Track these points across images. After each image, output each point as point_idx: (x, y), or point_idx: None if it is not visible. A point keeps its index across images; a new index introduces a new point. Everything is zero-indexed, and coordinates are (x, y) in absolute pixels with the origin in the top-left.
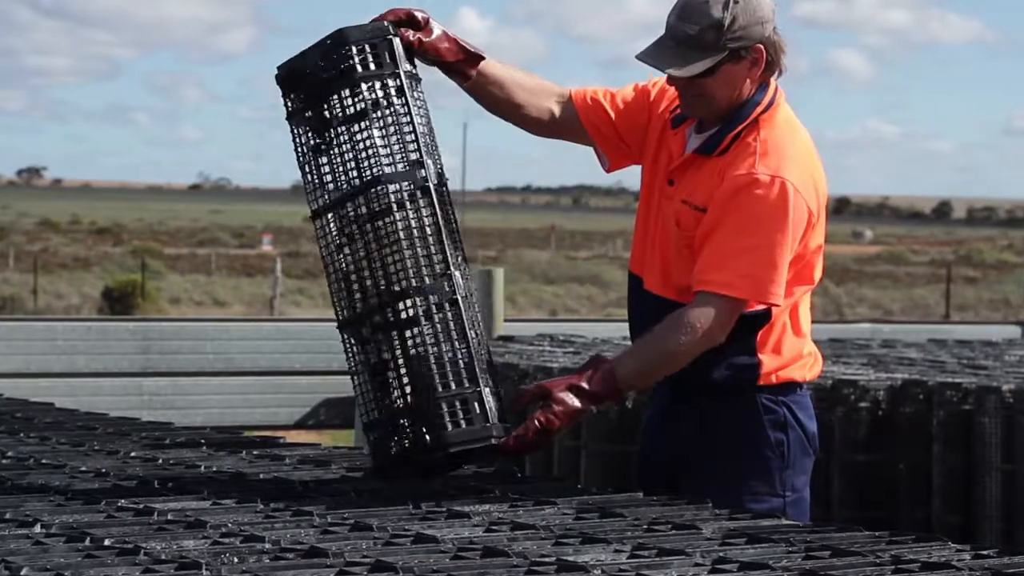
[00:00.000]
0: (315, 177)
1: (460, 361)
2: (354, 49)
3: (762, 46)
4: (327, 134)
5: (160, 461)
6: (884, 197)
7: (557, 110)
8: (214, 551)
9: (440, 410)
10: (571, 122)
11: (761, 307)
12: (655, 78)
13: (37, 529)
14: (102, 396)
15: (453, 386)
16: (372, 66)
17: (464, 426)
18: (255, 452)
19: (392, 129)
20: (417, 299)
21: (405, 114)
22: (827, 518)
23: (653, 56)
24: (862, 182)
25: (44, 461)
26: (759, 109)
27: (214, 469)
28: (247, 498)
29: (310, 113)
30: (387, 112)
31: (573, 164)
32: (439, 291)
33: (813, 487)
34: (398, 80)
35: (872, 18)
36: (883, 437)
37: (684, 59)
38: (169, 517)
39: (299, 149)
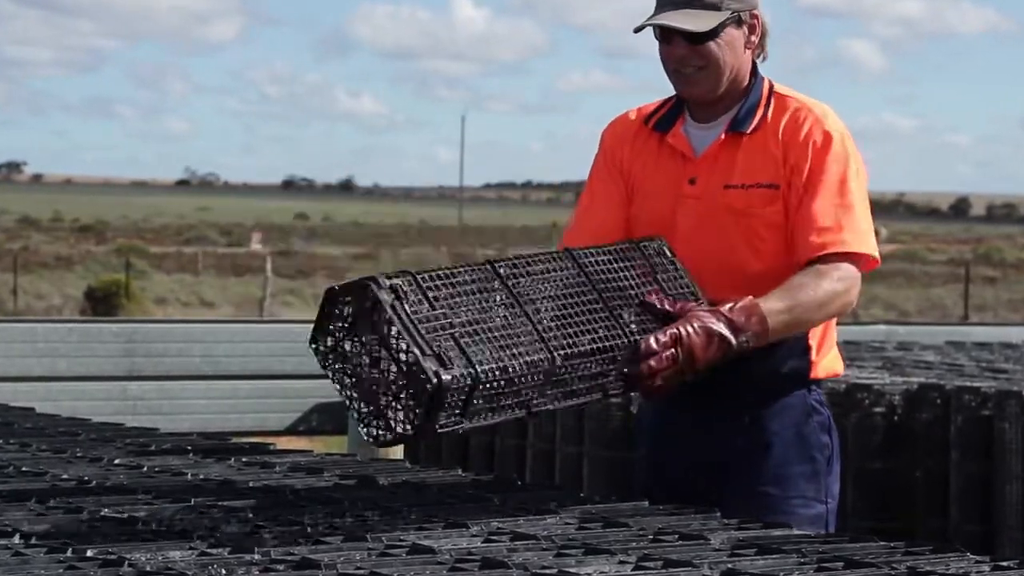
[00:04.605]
0: None
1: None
2: None
3: (758, 13)
4: None
5: (145, 468)
6: (899, 193)
7: None
8: (201, 562)
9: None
10: None
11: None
12: (603, 142)
13: (16, 539)
14: (85, 401)
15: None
16: None
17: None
18: (244, 459)
19: None
20: None
21: None
22: (840, 528)
23: (659, 19)
24: (876, 178)
25: (24, 468)
26: (767, 83)
27: (201, 477)
28: (236, 507)
29: None
30: None
31: (575, 159)
32: None
33: None
34: None
35: (883, 6)
36: (899, 443)
37: (691, 18)
38: (154, 527)
39: None
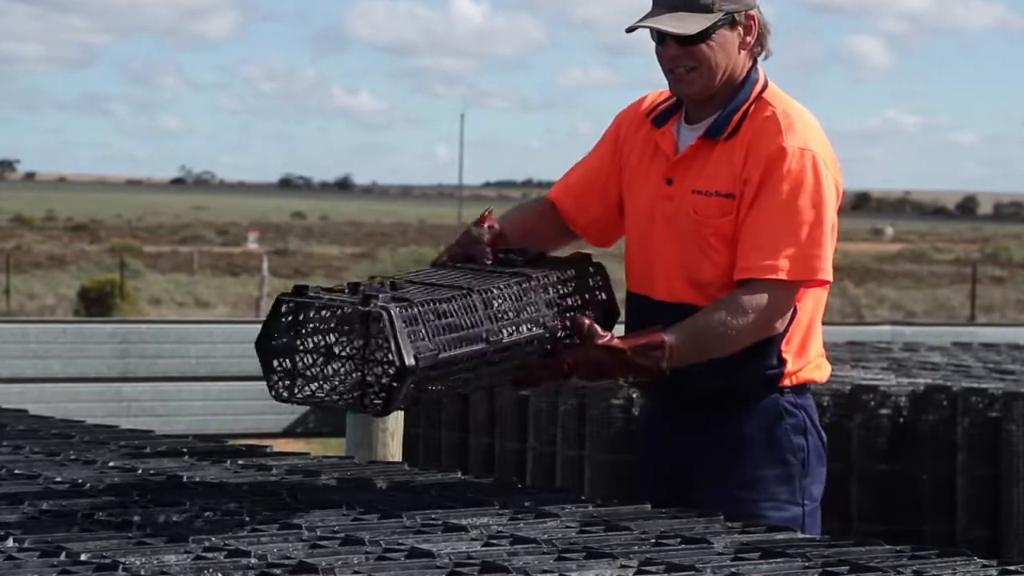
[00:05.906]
0: None
1: None
2: None
3: (754, 13)
4: None
5: (140, 471)
6: (906, 192)
7: (554, 230)
8: (197, 566)
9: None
10: (566, 232)
11: (818, 287)
12: (618, 116)
13: (9, 543)
14: (78, 402)
15: None
16: None
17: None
18: (240, 461)
19: None
20: None
21: None
22: (845, 531)
23: (649, 21)
24: (882, 176)
25: (17, 471)
26: (758, 87)
27: (197, 479)
28: (232, 510)
29: None
30: None
31: (575, 156)
32: None
33: (831, 498)
34: None
35: (889, 2)
36: (905, 446)
37: (681, 21)
38: (149, 531)
39: None
